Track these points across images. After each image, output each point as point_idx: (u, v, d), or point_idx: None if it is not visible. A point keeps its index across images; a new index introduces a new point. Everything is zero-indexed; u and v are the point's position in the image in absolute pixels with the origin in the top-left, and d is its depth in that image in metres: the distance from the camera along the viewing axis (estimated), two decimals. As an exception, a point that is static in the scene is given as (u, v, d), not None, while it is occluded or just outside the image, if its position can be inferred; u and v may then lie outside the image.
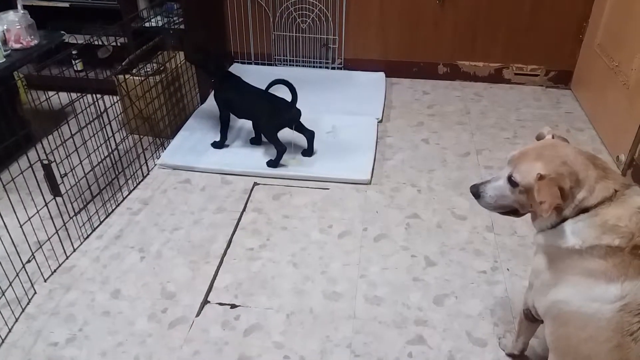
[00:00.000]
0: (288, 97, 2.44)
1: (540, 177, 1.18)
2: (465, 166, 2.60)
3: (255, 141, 2.71)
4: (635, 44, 2.50)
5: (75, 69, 3.12)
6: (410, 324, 1.76)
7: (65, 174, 2.01)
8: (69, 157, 2.05)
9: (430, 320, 1.78)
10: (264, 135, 2.58)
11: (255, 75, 2.82)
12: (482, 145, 2.77)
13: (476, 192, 1.37)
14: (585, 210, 1.17)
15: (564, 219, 1.20)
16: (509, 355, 1.65)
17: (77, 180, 2.14)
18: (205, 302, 1.85)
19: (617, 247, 1.12)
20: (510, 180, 1.28)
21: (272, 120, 2.47)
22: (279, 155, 2.49)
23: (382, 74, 3.42)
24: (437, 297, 1.87)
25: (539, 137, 1.41)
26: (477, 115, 3.07)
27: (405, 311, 1.81)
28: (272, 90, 2.45)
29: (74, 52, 3.05)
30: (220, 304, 1.84)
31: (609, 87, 2.78)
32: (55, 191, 1.95)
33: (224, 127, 2.65)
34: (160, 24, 2.82)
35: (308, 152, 2.60)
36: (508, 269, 1.98)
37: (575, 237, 1.17)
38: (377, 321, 1.77)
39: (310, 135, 2.57)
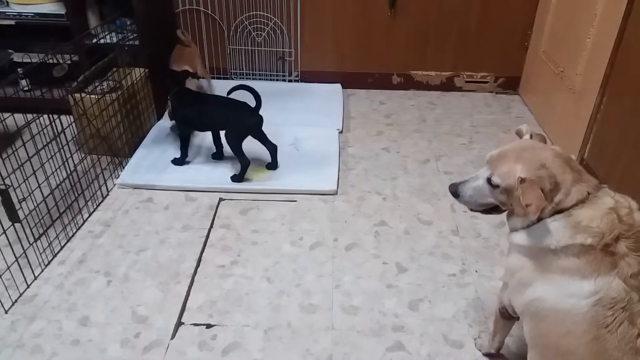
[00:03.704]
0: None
1: (522, 180, 1.22)
2: (426, 173, 2.66)
3: (216, 156, 2.68)
4: (578, 50, 2.65)
5: (23, 88, 2.99)
6: (387, 331, 1.78)
7: (24, 199, 1.92)
8: (26, 181, 1.96)
9: (407, 325, 1.81)
10: (228, 145, 2.50)
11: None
12: (440, 151, 2.85)
13: (455, 191, 1.40)
14: (560, 211, 1.23)
15: (539, 219, 1.25)
16: (485, 355, 1.69)
17: (35, 205, 2.05)
18: (179, 323, 1.81)
19: (590, 245, 1.18)
20: (490, 182, 1.31)
21: (237, 128, 2.44)
22: (243, 169, 2.47)
23: (338, 86, 3.47)
24: (412, 302, 1.90)
25: (519, 134, 1.46)
26: (432, 123, 3.15)
27: (382, 319, 1.83)
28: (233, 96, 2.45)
29: (20, 71, 2.94)
30: (195, 324, 1.80)
31: (555, 91, 2.92)
32: (13, 218, 1.86)
33: (184, 144, 2.60)
34: (113, 40, 2.75)
35: (272, 165, 2.59)
36: (476, 271, 2.04)
37: (550, 237, 1.23)
38: (356, 331, 1.78)
39: (273, 148, 2.57)
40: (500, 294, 1.49)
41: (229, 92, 2.42)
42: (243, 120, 2.43)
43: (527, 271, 1.31)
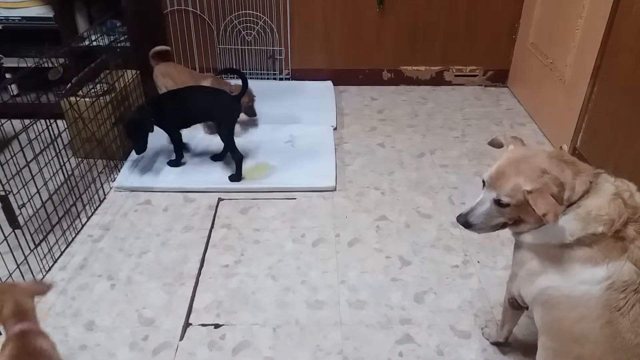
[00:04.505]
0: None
1: (530, 192, 1.23)
2: (422, 166, 2.68)
3: (216, 157, 2.66)
4: (567, 41, 2.69)
5: (12, 94, 2.95)
6: (395, 323, 1.80)
7: (23, 205, 1.89)
8: (25, 187, 1.94)
9: (414, 318, 1.82)
10: (224, 141, 2.48)
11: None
12: (434, 145, 2.87)
13: (465, 222, 1.37)
14: (568, 205, 1.25)
15: None
16: (493, 343, 1.72)
17: (35, 211, 2.02)
18: (187, 324, 1.80)
19: (602, 233, 1.21)
20: (499, 203, 1.30)
21: (227, 118, 2.44)
22: (239, 165, 2.47)
23: (329, 83, 3.47)
24: (417, 294, 1.92)
25: (496, 144, 1.47)
26: (425, 117, 3.18)
27: (389, 312, 1.84)
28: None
29: (7, 75, 2.89)
30: (203, 324, 1.80)
31: (545, 83, 2.96)
32: (13, 224, 1.83)
33: (177, 145, 2.59)
34: (104, 43, 2.72)
35: (236, 177, 2.50)
36: (478, 261, 2.07)
37: (563, 233, 1.24)
38: (364, 325, 1.79)
39: (238, 159, 2.49)
40: (508, 284, 1.51)
41: (219, 74, 2.41)
42: (231, 109, 2.44)
43: (537, 262, 1.33)
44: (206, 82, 2.74)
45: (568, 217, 1.24)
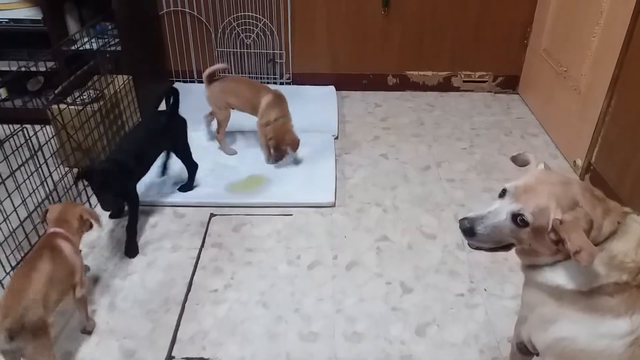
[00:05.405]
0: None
1: (560, 222, 1.09)
2: (427, 180, 2.54)
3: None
4: (582, 49, 2.53)
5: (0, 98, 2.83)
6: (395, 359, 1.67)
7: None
8: (9, 198, 1.82)
9: (414, 353, 1.69)
10: (184, 157, 2.34)
11: (198, 94, 2.66)
12: (441, 157, 2.73)
13: (470, 229, 1.19)
14: None
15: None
16: (501, 386, 1.58)
17: (12, 230, 1.90)
18: (169, 358, 1.67)
19: (625, 282, 1.07)
20: (519, 219, 1.14)
21: (182, 135, 2.31)
22: (194, 173, 2.38)
23: (332, 88, 3.33)
24: (419, 326, 1.78)
25: (521, 161, 1.33)
26: (431, 125, 3.03)
27: (387, 347, 1.71)
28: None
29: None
30: (187, 358, 1.67)
31: (558, 91, 2.80)
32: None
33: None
34: (94, 46, 2.60)
35: (187, 186, 2.39)
36: (485, 289, 1.92)
37: (582, 279, 1.10)
38: (360, 361, 1.66)
39: (193, 168, 2.38)
40: (517, 327, 1.37)
41: (162, 99, 2.25)
42: (181, 127, 2.30)
43: (550, 307, 1.19)
44: (267, 97, 2.56)
45: None
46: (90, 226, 1.78)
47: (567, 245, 1.06)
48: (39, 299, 1.43)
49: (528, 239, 1.16)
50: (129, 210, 2.08)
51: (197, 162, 2.38)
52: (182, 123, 2.31)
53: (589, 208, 1.10)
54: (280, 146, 2.51)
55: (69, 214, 1.68)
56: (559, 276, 1.15)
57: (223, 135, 2.66)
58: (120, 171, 1.92)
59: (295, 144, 2.52)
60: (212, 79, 2.61)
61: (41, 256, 1.53)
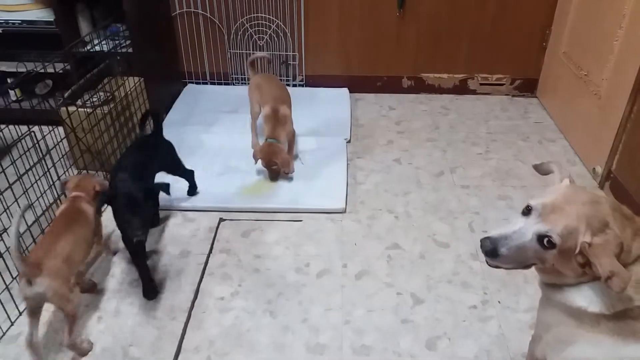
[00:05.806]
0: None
1: (589, 245, 1.03)
2: (441, 187, 2.48)
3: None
4: (604, 53, 2.45)
5: (18, 99, 2.83)
6: (403, 375, 1.62)
7: (5, 230, 1.76)
8: (7, 211, 1.81)
9: (424, 368, 1.64)
10: (179, 169, 2.30)
11: (211, 96, 2.63)
12: (455, 162, 2.66)
13: (492, 250, 1.12)
14: None
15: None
16: (513, 404, 1.52)
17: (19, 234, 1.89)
18: (174, 367, 1.65)
19: (651, 307, 1.01)
20: (546, 241, 1.07)
21: (172, 152, 2.27)
22: (192, 179, 2.35)
23: (345, 90, 3.28)
24: (429, 340, 1.73)
25: (544, 171, 1.27)
26: (446, 130, 2.97)
27: (397, 360, 1.66)
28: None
29: (9, 80, 2.77)
30: (192, 368, 1.65)
31: (578, 96, 2.72)
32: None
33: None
34: (106, 48, 2.58)
35: (192, 189, 2.37)
36: (499, 302, 1.87)
37: (605, 302, 1.04)
38: (368, 375, 1.62)
39: (189, 175, 2.33)
40: (532, 346, 1.31)
41: (143, 122, 2.18)
42: (170, 148, 2.25)
43: (569, 328, 1.13)
44: (265, 109, 2.49)
45: None
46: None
47: (595, 270, 1.00)
48: (61, 253, 1.60)
49: (552, 260, 1.10)
50: (138, 258, 1.90)
51: (209, 165, 2.34)
52: (169, 146, 2.24)
53: (619, 229, 1.04)
54: (270, 167, 2.44)
55: (87, 183, 1.87)
56: (582, 298, 1.09)
57: (254, 130, 2.67)
58: (145, 193, 1.79)
59: (286, 165, 2.40)
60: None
61: (69, 215, 1.74)
